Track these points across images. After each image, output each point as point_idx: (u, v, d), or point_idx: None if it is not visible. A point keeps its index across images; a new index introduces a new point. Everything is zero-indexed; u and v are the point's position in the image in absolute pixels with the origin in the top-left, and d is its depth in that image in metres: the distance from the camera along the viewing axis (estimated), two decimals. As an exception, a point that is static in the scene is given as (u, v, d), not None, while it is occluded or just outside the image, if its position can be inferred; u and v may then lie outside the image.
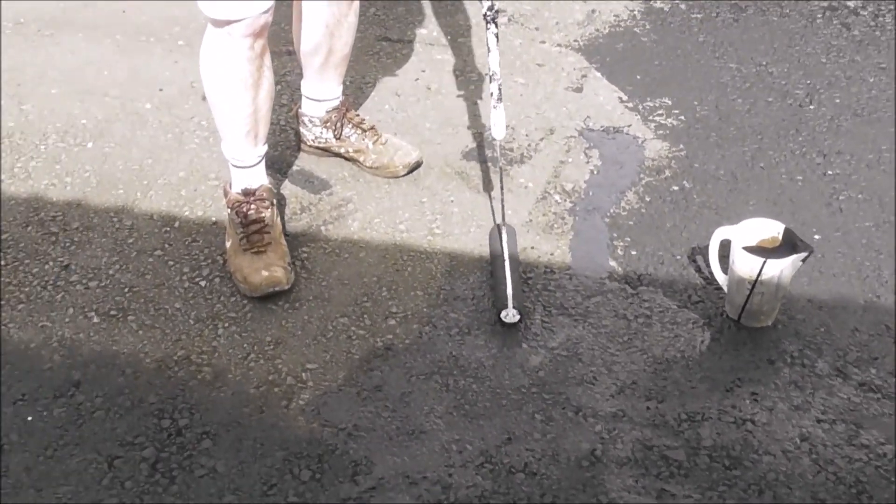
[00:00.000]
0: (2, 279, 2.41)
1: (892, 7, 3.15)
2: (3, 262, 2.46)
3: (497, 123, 2.35)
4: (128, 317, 2.34)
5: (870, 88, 2.90)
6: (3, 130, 2.88)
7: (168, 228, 2.57)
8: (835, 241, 2.45)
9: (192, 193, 2.67)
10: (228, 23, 2.18)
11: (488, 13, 2.20)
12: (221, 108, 2.38)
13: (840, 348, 2.21)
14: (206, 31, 2.29)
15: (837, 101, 2.86)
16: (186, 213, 2.61)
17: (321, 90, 2.64)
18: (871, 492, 1.94)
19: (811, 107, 2.84)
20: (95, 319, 2.34)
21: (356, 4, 2.50)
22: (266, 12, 2.19)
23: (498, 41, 2.27)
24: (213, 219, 2.59)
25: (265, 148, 2.45)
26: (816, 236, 2.47)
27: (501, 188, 2.42)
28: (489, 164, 2.71)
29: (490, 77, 2.31)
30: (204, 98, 2.96)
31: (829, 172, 2.64)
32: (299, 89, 2.69)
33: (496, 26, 2.23)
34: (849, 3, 3.19)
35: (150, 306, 2.37)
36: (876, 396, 2.11)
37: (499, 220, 2.45)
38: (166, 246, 2.52)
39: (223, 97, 2.35)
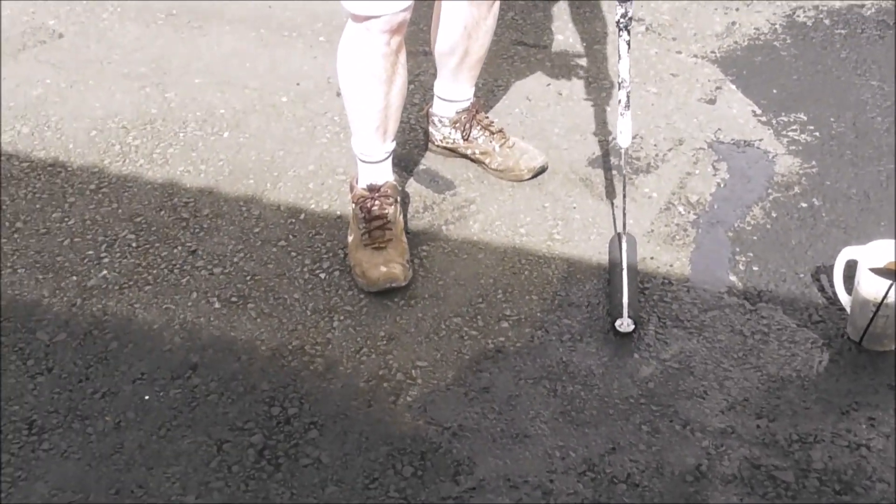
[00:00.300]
0: (133, 261, 2.52)
1: None
2: (135, 245, 2.56)
3: (623, 131, 2.32)
4: (248, 304, 2.41)
5: None
6: (146, 117, 3.00)
7: (293, 220, 2.63)
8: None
9: (320, 187, 2.73)
10: (368, 18, 2.23)
11: (621, 20, 2.19)
12: (354, 102, 2.42)
13: (969, 381, 2.12)
14: (345, 27, 2.34)
15: None
16: (312, 206, 2.67)
17: (453, 91, 2.66)
18: None
19: (957, 128, 2.72)
20: (217, 305, 2.42)
21: (496, 7, 2.52)
22: (405, 10, 2.23)
23: (629, 49, 2.25)
24: (338, 213, 2.63)
25: (393, 145, 2.49)
26: (951, 262, 2.37)
27: (624, 197, 2.39)
28: (614, 171, 2.68)
29: (619, 84, 2.29)
30: (339, 94, 3.04)
31: (972, 196, 2.53)
32: (432, 89, 2.72)
33: (628, 34, 2.21)
34: None
35: (270, 295, 2.43)
36: None
37: (620, 229, 2.42)
38: (290, 237, 2.58)
39: (357, 91, 2.39)
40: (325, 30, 3.35)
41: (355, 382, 2.21)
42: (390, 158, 2.51)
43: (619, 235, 2.41)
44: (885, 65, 2.97)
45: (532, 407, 2.13)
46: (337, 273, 2.47)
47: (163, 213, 2.66)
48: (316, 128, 2.94)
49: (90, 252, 2.54)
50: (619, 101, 2.31)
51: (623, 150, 2.40)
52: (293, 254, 2.54)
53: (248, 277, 2.48)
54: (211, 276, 2.49)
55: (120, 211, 2.66)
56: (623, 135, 2.34)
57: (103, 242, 2.57)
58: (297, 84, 3.12)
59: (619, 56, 2.25)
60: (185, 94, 3.11)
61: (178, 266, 2.50)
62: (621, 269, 2.30)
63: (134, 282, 2.46)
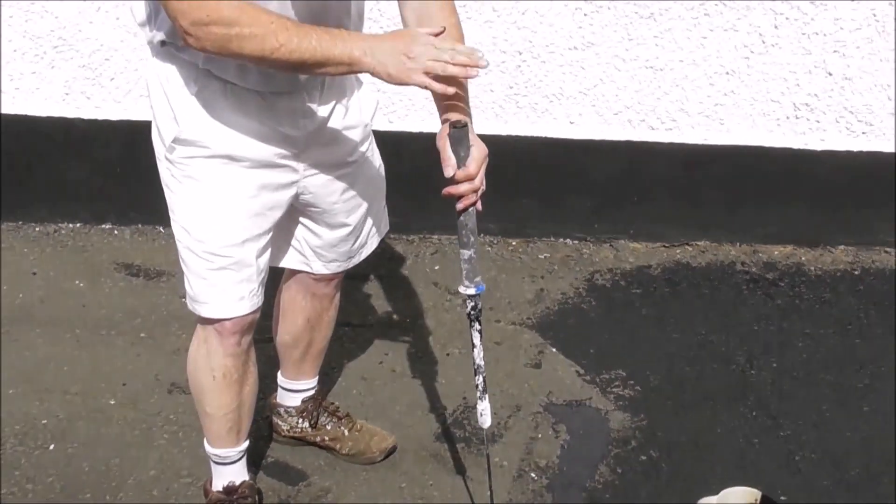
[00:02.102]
0: None
1: (805, 277, 3.35)
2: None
3: (484, 413, 2.32)
4: None
5: (800, 353, 3.02)
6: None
7: (143, 532, 2.45)
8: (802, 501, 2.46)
9: (165, 493, 2.54)
10: (219, 321, 2.17)
11: (472, 312, 2.22)
12: (207, 405, 2.31)
13: None
14: (195, 331, 2.27)
15: (775, 365, 2.96)
16: (162, 514, 2.49)
17: (298, 381, 2.61)
18: None
19: (752, 371, 2.93)
20: None
21: (336, 299, 2.52)
22: (254, 311, 2.20)
23: (482, 337, 2.26)
24: (190, 518, 2.47)
25: (247, 443, 2.39)
26: (783, 497, 2.48)
27: (489, 475, 2.38)
28: (461, 444, 2.67)
29: (475, 370, 2.30)
30: (170, 391, 2.91)
31: (782, 434, 2.70)
32: (274, 380, 2.66)
33: (479, 324, 2.24)
34: (767, 276, 3.38)
35: None
36: None
37: None
38: (142, 551, 2.39)
39: (209, 394, 2.29)
40: (145, 325, 3.22)
41: None
42: (245, 457, 2.40)
43: None
44: (681, 319, 3.18)
45: None
46: (200, 585, 2.30)
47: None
48: (151, 429, 2.76)
49: None
50: (477, 386, 2.30)
51: (485, 432, 2.39)
52: (148, 570, 2.35)
53: None
54: None
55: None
56: (483, 416, 2.33)
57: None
58: (124, 384, 2.94)
59: (473, 345, 2.26)
60: (-1, 407, 2.88)
61: None
62: None
63: None
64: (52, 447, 2.69)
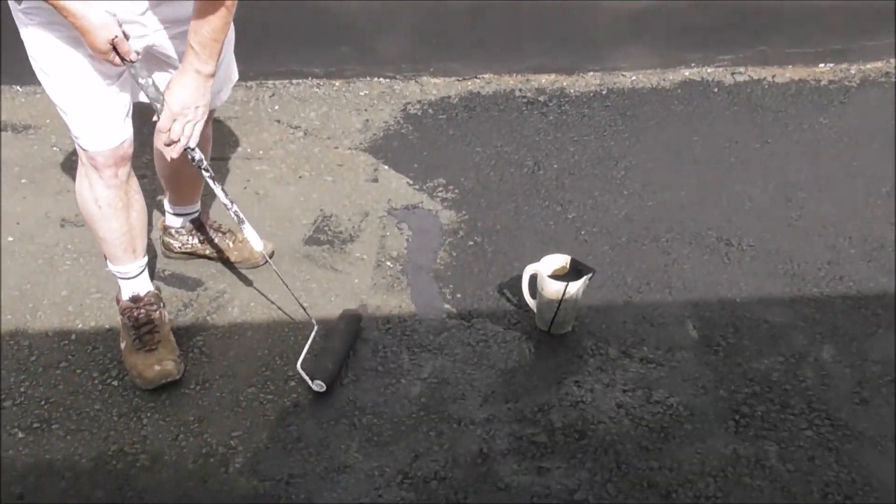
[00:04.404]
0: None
1: (567, 97, 3.43)
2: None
3: (252, 238, 2.16)
4: (52, 426, 2.05)
5: (572, 155, 3.11)
6: None
7: (66, 341, 2.27)
8: (589, 263, 2.56)
9: (79, 308, 2.38)
10: (93, 156, 1.99)
11: (199, 163, 2.04)
12: (99, 231, 2.15)
13: (619, 336, 2.36)
14: (77, 167, 2.07)
15: (555, 166, 3.05)
16: (80, 326, 2.32)
17: (183, 206, 2.46)
18: (673, 431, 2.10)
19: (540, 172, 3.01)
20: (21, 435, 2.03)
21: (210, 136, 2.33)
22: (123, 143, 2.01)
23: (215, 181, 2.08)
24: (107, 326, 2.32)
25: (146, 259, 2.24)
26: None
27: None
28: (325, 245, 2.62)
29: (227, 209, 2.12)
30: (62, 225, 2.66)
31: (569, 216, 2.82)
32: (161, 205, 2.49)
33: (208, 171, 2.06)
34: (540, 99, 3.43)
35: (72, 412, 2.09)
36: (652, 366, 2.28)
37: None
38: (69, 357, 2.23)
39: (99, 221, 2.12)
40: (24, 172, 2.90)
41: (184, 465, 1.98)
42: (146, 270, 2.26)
43: (344, 312, 2.35)
44: (479, 135, 3.19)
45: (342, 442, 2.05)
46: (128, 378, 2.17)
47: (-72, 364, 2.16)
48: (53, 258, 2.54)
49: None
50: (237, 220, 2.13)
51: (264, 253, 2.26)
52: (78, 371, 2.19)
53: (43, 402, 2.10)
54: (2, 410, 2.07)
55: None
56: (255, 241, 2.16)
57: None
58: (17, 224, 2.67)
59: (215, 192, 2.10)
60: None
61: (-37, 410, 2.05)
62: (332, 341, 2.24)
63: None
64: (-40, 282, 2.45)
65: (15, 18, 1.83)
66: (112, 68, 1.88)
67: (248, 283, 2.50)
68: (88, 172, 2.05)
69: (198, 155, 2.01)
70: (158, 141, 1.97)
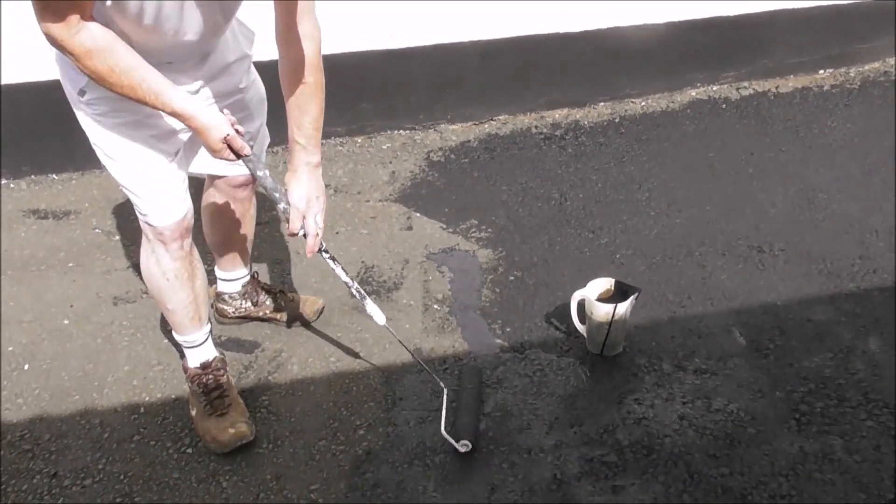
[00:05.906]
0: None
1: (582, 129, 3.52)
2: (-1, 490, 2.08)
3: (374, 313, 2.21)
4: (134, 499, 2.08)
5: (595, 183, 3.19)
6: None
7: (135, 415, 2.31)
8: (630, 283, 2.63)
9: (143, 381, 2.42)
10: (160, 231, 2.05)
11: (324, 254, 2.11)
12: (167, 303, 2.20)
13: (670, 351, 2.41)
14: (142, 244, 2.13)
15: (581, 195, 3.12)
16: (147, 399, 2.36)
17: (235, 271, 2.51)
18: (737, 437, 2.14)
19: (567, 203, 3.08)
20: (105, 511, 2.06)
21: (254, 200, 2.40)
22: (187, 215, 2.08)
23: (335, 262, 2.13)
24: (173, 396, 2.36)
25: (210, 325, 2.29)
26: (613, 286, 2.68)
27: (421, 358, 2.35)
28: (374, 295, 2.65)
29: (347, 287, 2.18)
30: (115, 304, 2.72)
31: (602, 242, 2.87)
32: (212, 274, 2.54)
33: (327, 253, 2.11)
34: (556, 133, 3.51)
35: (151, 484, 2.12)
36: (707, 376, 2.32)
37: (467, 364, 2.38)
38: (141, 430, 2.27)
39: (166, 294, 2.17)
40: (70, 257, 2.95)
41: (269, 523, 2.00)
42: (210, 337, 2.31)
43: (464, 367, 2.37)
44: (503, 174, 3.26)
45: (419, 483, 2.08)
46: (202, 444, 2.21)
47: (2, 452, 2.20)
48: (111, 335, 2.59)
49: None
50: (360, 297, 2.18)
51: (384, 325, 2.24)
52: (152, 442, 2.23)
53: (122, 476, 2.14)
54: (84, 489, 2.11)
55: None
56: (376, 316, 2.21)
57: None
58: (71, 306, 2.72)
59: (335, 272, 2.15)
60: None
61: (45, 493, 2.09)
62: (463, 399, 2.26)
63: (14, 523, 2.00)
64: (26, 367, 2.49)
65: (75, 108, 1.91)
66: (172, 146, 1.97)
67: (303, 339, 2.54)
68: (156, 248, 2.11)
69: (323, 244, 2.09)
70: (287, 230, 2.04)
